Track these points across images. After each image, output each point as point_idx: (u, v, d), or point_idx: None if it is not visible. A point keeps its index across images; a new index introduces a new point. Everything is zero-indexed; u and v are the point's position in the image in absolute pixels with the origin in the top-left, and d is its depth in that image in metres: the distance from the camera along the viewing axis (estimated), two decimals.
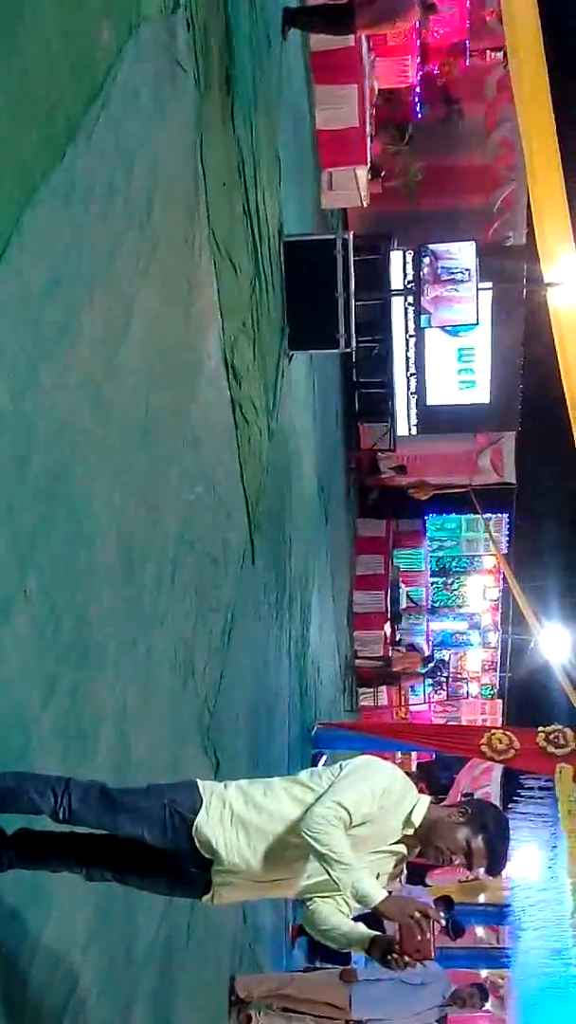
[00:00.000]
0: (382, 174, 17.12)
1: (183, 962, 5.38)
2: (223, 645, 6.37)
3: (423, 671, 19.35)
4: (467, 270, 13.90)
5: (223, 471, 6.63)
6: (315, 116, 12.15)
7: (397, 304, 16.10)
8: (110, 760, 4.16)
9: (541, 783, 9.18)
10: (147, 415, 4.78)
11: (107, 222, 4.19)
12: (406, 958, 2.90)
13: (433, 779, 14.84)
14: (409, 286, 15.15)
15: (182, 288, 5.61)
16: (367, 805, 3.10)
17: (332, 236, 9.57)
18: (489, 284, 15.55)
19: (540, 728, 8.69)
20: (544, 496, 19.23)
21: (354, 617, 17.51)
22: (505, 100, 17.10)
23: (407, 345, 17.22)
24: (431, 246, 14.26)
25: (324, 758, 10.14)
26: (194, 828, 3.09)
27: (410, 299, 15.62)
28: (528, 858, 11.00)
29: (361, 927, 3.15)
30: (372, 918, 3.16)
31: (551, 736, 8.56)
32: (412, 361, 17.55)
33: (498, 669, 23.36)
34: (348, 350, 9.84)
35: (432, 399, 18.08)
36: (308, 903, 3.22)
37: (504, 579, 20.42)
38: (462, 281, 13.95)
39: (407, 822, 3.21)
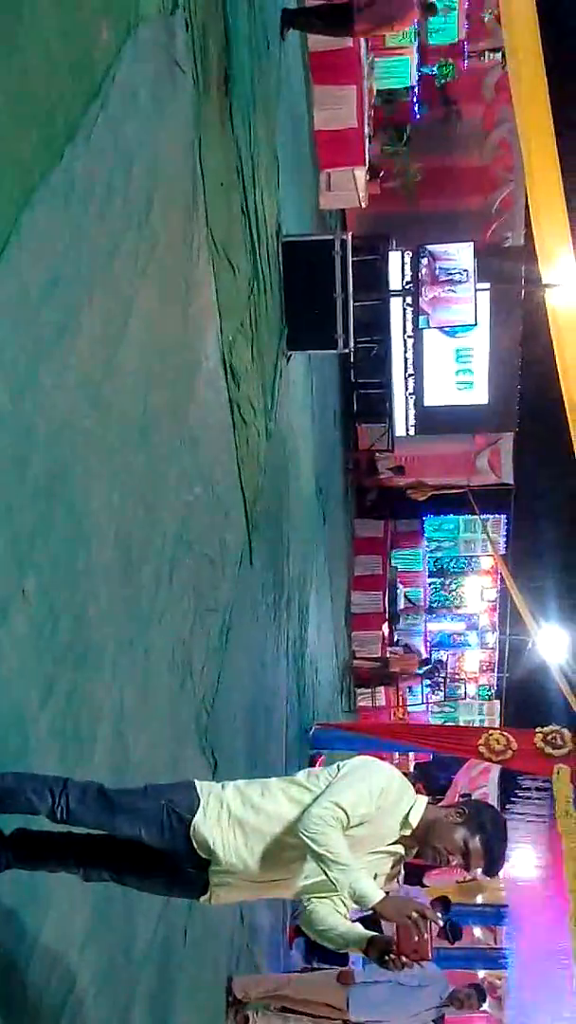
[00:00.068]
0: (380, 175, 17.13)
1: (181, 962, 5.38)
2: (221, 645, 6.37)
3: (420, 672, 19.38)
4: (465, 271, 13.90)
5: (221, 471, 6.62)
6: (313, 117, 12.16)
7: (395, 305, 16.09)
8: (108, 760, 4.16)
9: (538, 784, 9.19)
10: (145, 415, 4.78)
11: (106, 222, 4.19)
12: (404, 959, 2.90)
13: (431, 780, 14.80)
14: (407, 287, 15.14)
15: (180, 288, 5.61)
16: (364, 806, 3.10)
17: (330, 237, 9.57)
18: (487, 285, 15.58)
19: (538, 729, 8.67)
20: (542, 497, 19.22)
21: (352, 618, 17.51)
22: (503, 101, 17.15)
23: (405, 346, 17.23)
24: (429, 247, 14.26)
25: (322, 758, 10.13)
26: (192, 828, 3.09)
27: (408, 300, 15.63)
28: (525, 859, 11.00)
29: (358, 927, 3.15)
30: (370, 919, 3.16)
31: (549, 737, 8.54)
32: (410, 362, 17.57)
33: (496, 670, 23.37)
34: (346, 351, 9.83)
35: (430, 400, 18.11)
36: (306, 903, 3.22)
37: (502, 580, 20.42)
38: (460, 282, 13.95)
39: (405, 823, 3.21)
